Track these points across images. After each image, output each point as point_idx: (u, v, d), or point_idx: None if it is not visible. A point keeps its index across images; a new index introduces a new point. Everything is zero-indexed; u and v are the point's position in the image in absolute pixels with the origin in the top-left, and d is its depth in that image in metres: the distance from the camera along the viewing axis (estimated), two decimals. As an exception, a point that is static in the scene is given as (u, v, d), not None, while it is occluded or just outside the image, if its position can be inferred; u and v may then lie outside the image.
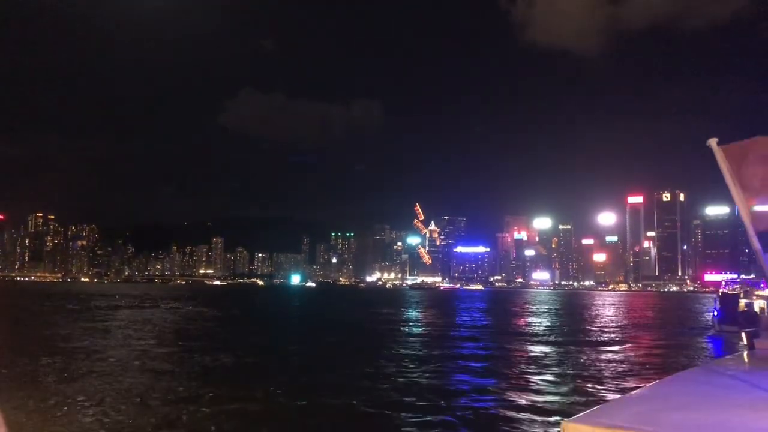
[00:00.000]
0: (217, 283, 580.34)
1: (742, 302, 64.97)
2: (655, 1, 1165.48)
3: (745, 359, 6.10)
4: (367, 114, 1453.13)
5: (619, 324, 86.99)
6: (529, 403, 26.09)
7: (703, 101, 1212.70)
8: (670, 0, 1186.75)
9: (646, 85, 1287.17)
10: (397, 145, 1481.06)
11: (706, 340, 62.09)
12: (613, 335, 64.95)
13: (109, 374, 32.17)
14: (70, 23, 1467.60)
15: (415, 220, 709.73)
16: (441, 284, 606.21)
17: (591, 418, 4.17)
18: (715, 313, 68.88)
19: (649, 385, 5.53)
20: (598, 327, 78.92)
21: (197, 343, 49.07)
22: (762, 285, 68.82)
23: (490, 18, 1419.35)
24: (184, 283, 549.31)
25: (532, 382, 32.08)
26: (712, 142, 6.35)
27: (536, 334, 64.60)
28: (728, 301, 67.89)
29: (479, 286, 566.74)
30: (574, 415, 4.10)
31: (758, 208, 6.00)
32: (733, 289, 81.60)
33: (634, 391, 5.40)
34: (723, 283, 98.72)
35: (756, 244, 5.97)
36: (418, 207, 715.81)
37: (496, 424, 22.49)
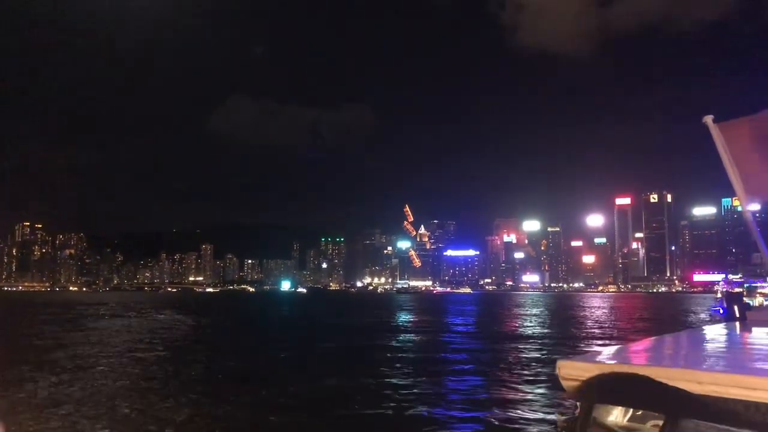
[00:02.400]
0: (210, 290, 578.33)
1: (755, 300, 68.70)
2: (643, 4, 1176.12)
3: (737, 326, 6.54)
4: (357, 119, 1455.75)
5: (627, 326, 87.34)
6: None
7: (690, 102, 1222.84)
8: (659, 2, 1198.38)
9: (635, 86, 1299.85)
10: (386, 149, 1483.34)
11: None
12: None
13: (92, 381, 32.08)
14: (56, 30, 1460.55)
15: (405, 222, 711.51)
16: (434, 288, 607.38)
17: (584, 357, 4.25)
18: (721, 311, 72.28)
19: (641, 340, 5.68)
20: (607, 330, 79.10)
21: (194, 355, 48.97)
22: (760, 282, 71.68)
23: (479, 22, 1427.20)
24: (174, 291, 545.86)
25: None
26: (708, 119, 6.34)
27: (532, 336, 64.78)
28: (732, 300, 71.42)
29: (468, 290, 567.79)
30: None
31: (750, 181, 6.03)
32: (738, 288, 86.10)
33: (625, 344, 5.61)
34: (721, 282, 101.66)
35: (749, 216, 6.07)
36: (407, 208, 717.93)
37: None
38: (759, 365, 3.93)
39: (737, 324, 6.42)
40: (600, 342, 55.56)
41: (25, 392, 28.33)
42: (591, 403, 3.95)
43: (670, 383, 3.45)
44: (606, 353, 4.72)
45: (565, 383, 4.03)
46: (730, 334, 6.26)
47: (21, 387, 29.73)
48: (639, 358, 4.37)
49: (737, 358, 4.41)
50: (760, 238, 5.95)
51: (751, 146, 6.09)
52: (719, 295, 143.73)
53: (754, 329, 6.14)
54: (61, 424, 21.93)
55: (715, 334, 6.25)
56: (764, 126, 6.06)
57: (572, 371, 3.99)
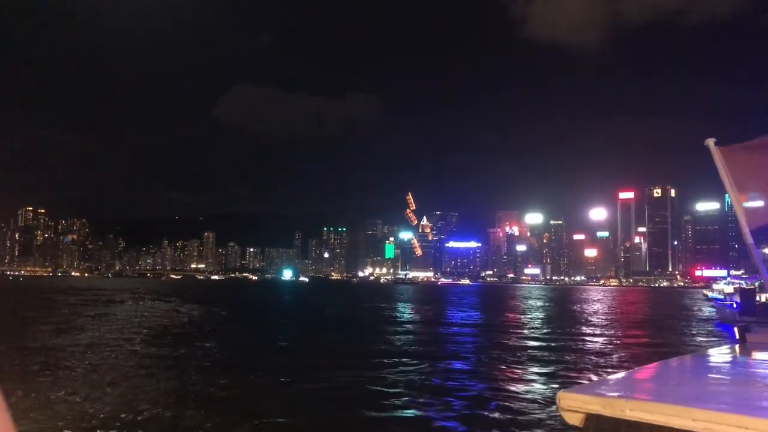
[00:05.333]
0: (215, 277, 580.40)
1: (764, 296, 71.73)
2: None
3: (737, 350, 6.59)
4: (361, 109, 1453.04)
5: (645, 321, 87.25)
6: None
7: (698, 97, 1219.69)
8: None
9: (643, 80, 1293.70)
10: (390, 140, 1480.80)
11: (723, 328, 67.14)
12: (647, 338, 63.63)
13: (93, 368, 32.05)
14: (62, 17, 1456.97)
15: (407, 210, 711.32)
16: (438, 279, 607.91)
17: (584, 388, 4.25)
18: (735, 305, 74.39)
19: (642, 366, 5.75)
20: (627, 327, 78.39)
21: (202, 343, 48.98)
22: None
23: (488, 13, 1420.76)
24: (178, 277, 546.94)
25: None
26: (710, 142, 6.38)
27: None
28: (747, 295, 74.82)
29: (467, 281, 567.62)
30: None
31: (750, 204, 6.15)
32: (752, 284, 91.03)
33: (624, 371, 5.58)
34: (727, 279, 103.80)
35: (749, 239, 6.18)
36: (410, 196, 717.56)
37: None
38: (758, 403, 3.87)
39: (737, 348, 6.51)
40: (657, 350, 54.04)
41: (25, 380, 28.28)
42: None
43: (670, 422, 3.47)
44: (606, 384, 4.69)
45: (565, 415, 4.02)
46: (730, 363, 6.20)
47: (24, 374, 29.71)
48: (638, 390, 4.34)
49: (737, 393, 4.36)
50: (761, 263, 5.99)
51: (751, 171, 6.16)
52: (711, 294, 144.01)
53: (754, 354, 6.15)
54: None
55: (716, 362, 6.16)
56: (764, 151, 6.12)
57: (573, 403, 3.98)
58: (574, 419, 4.01)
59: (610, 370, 34.92)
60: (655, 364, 6.00)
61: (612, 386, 4.49)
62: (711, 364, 6.01)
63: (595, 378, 29.12)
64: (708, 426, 3.32)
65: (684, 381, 4.97)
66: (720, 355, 6.76)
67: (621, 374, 5.65)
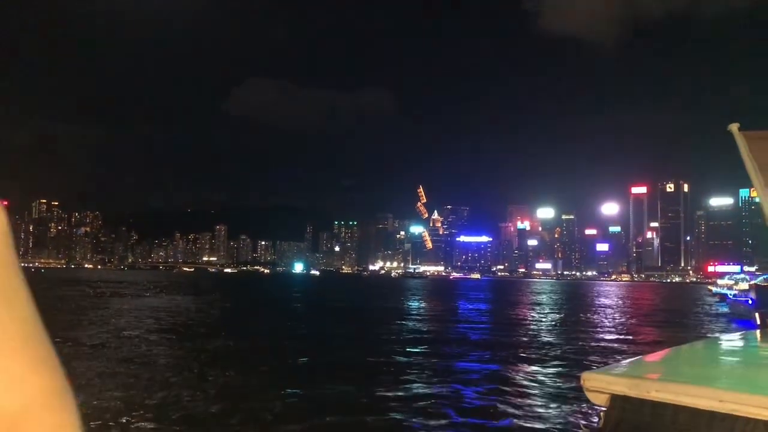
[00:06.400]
0: (228, 270, 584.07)
1: None
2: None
3: (758, 335, 6.46)
4: (373, 102, 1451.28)
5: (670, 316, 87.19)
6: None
7: (711, 92, 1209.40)
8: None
9: (656, 74, 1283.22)
10: (402, 134, 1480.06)
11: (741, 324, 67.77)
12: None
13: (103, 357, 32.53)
14: (74, 7, 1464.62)
15: (418, 203, 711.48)
16: (450, 273, 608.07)
17: (609, 369, 4.28)
18: (750, 302, 74.38)
19: (663, 350, 5.67)
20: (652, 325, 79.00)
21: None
22: None
23: (500, 6, 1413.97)
24: (191, 270, 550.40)
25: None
26: (734, 127, 6.31)
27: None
28: (762, 292, 75.96)
29: (477, 276, 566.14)
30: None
31: None
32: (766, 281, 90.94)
33: (648, 354, 5.59)
34: (741, 275, 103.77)
35: None
36: (421, 190, 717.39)
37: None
38: None
39: (758, 333, 6.28)
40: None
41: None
42: (618, 420, 3.94)
43: (697, 403, 3.49)
44: (631, 365, 4.76)
45: (590, 395, 4.09)
46: (750, 347, 6.11)
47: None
48: (661, 372, 4.35)
49: (764, 376, 4.35)
50: None
51: None
52: (715, 289, 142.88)
53: None
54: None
55: (740, 345, 6.12)
56: None
57: (597, 383, 4.03)
58: (600, 399, 4.05)
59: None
60: (678, 347, 5.97)
61: (636, 367, 4.53)
62: (735, 347, 5.94)
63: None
64: (735, 408, 3.33)
65: (709, 363, 4.92)
66: (742, 339, 6.75)
67: (645, 356, 5.66)
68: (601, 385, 4.00)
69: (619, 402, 3.89)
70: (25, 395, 1.04)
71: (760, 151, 6.11)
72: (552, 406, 22.40)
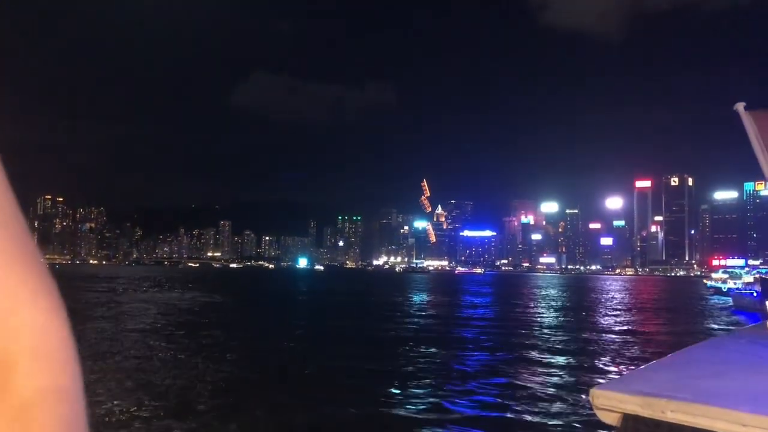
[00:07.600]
0: (234, 266, 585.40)
1: None
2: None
3: (767, 327, 6.25)
4: (377, 97, 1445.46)
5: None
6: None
7: (715, 85, 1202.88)
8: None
9: (661, 68, 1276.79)
10: (407, 129, 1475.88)
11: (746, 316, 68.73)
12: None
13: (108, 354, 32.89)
14: (83, 4, 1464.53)
15: (422, 197, 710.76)
16: (455, 268, 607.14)
17: (620, 385, 4.07)
18: (755, 294, 74.93)
19: (674, 353, 5.46)
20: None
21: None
22: None
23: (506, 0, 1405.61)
24: (196, 266, 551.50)
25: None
26: (740, 106, 6.19)
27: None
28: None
29: (480, 270, 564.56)
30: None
31: None
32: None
33: (661, 359, 5.34)
34: (746, 269, 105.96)
35: None
36: (425, 183, 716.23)
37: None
38: None
39: (767, 326, 6.15)
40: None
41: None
42: None
43: (716, 426, 3.27)
44: (642, 379, 4.49)
45: (600, 414, 3.83)
46: (762, 343, 5.87)
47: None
48: (673, 385, 4.00)
49: None
50: None
51: None
52: (710, 282, 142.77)
53: None
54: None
55: (749, 343, 5.86)
56: None
57: (608, 402, 3.79)
58: (610, 419, 3.79)
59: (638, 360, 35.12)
60: (688, 349, 5.65)
61: (649, 381, 4.19)
62: (748, 351, 5.67)
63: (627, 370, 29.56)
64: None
65: (724, 374, 4.61)
66: (754, 338, 6.44)
67: (657, 366, 5.36)
68: (612, 403, 3.77)
69: (631, 423, 3.67)
70: (10, 296, 0.95)
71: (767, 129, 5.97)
72: (560, 406, 22.53)
